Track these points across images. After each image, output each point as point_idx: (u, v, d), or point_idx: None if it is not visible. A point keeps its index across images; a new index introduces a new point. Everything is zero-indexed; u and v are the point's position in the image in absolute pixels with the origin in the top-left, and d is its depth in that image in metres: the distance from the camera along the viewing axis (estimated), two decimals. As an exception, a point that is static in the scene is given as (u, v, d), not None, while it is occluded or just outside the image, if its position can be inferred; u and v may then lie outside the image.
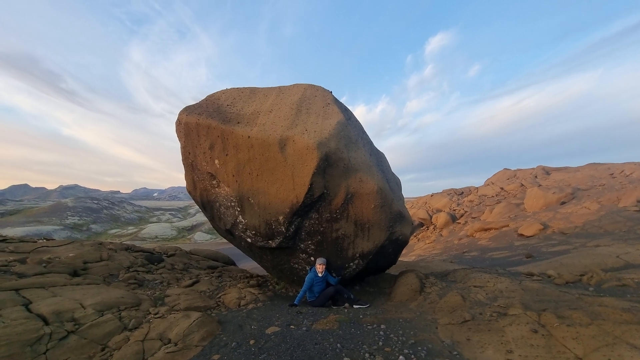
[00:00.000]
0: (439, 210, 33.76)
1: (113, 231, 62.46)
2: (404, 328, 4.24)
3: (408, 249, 27.28)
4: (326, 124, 5.22)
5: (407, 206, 41.24)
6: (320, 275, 5.57)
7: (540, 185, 29.02)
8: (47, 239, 7.25)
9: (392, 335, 3.97)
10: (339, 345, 3.58)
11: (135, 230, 62.17)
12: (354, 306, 5.44)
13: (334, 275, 5.88)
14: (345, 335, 3.89)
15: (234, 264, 10.87)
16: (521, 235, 18.02)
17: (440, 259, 18.26)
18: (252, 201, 5.50)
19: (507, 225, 20.71)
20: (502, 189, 34.29)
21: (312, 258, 5.83)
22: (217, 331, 3.88)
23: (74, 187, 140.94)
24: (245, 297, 5.28)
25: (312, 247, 5.76)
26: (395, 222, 5.96)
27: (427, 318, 4.66)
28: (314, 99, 5.75)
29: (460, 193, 39.04)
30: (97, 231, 60.14)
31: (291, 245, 5.75)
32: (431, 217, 31.74)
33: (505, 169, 43.32)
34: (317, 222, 5.52)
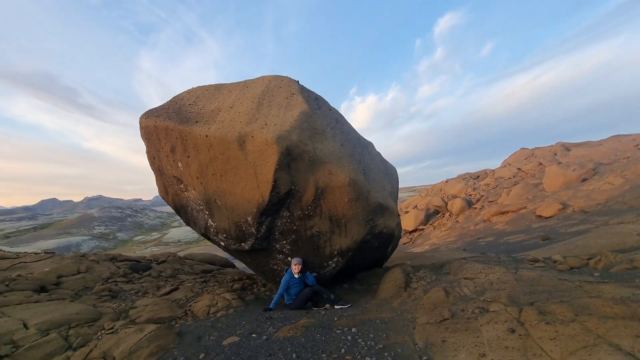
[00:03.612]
0: (454, 196, 32.59)
1: (138, 238, 64.64)
2: (378, 330, 3.88)
3: (423, 237, 26.47)
4: (288, 116, 4.86)
5: (421, 194, 39.93)
6: (296, 276, 5.27)
7: (559, 163, 27.42)
8: (35, 253, 7.31)
9: (360, 340, 3.62)
10: (294, 355, 3.27)
11: (159, 235, 64.06)
12: (335, 307, 5.11)
13: (314, 275, 5.56)
14: (307, 342, 3.57)
15: (233, 266, 10.73)
16: (539, 216, 17.07)
17: (453, 247, 17.53)
18: (219, 203, 5.25)
19: (525, 207, 19.67)
20: (519, 169, 32.72)
21: (290, 258, 5.53)
22: (171, 345, 3.65)
23: (99, 198, 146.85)
24: (217, 303, 5.05)
25: (288, 246, 5.46)
26: (376, 215, 5.54)
27: (406, 317, 4.28)
28: (277, 90, 5.39)
29: (476, 177, 37.62)
30: (123, 239, 62.41)
31: (266, 246, 5.47)
32: (446, 204, 30.72)
33: (523, 148, 41.22)
34: (289, 220, 5.20)
